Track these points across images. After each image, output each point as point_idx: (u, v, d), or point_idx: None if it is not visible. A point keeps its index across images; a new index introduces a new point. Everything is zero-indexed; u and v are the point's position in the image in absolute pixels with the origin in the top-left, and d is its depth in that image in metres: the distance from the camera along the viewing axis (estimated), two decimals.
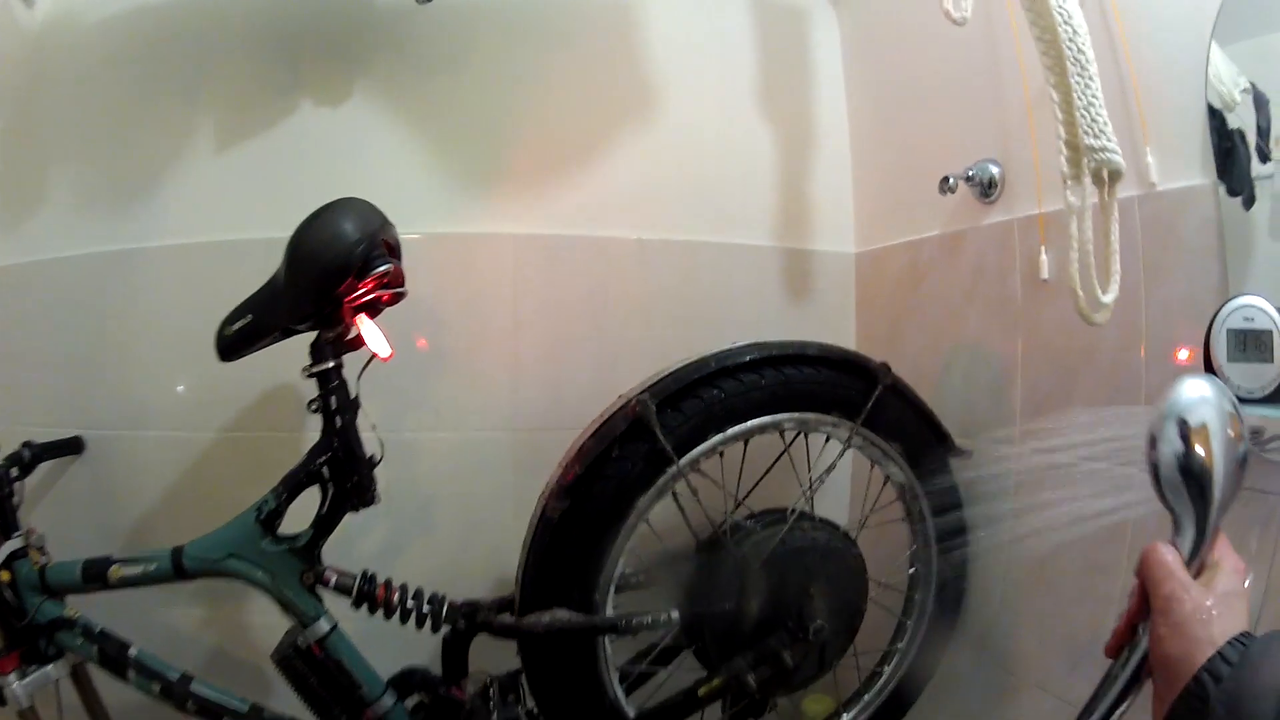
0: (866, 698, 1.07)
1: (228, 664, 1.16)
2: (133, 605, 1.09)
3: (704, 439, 0.93)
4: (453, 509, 1.19)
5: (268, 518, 0.97)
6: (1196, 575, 0.48)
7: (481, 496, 1.21)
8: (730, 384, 0.94)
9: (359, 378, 0.97)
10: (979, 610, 1.07)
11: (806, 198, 1.20)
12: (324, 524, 0.96)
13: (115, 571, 1.03)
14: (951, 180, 1.02)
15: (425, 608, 0.96)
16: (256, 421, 1.23)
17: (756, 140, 1.20)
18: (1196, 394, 0.49)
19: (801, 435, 1.01)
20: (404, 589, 0.98)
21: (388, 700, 0.98)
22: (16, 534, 1.06)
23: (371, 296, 0.94)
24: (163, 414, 1.26)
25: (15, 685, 1.02)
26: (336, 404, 0.95)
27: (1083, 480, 0.90)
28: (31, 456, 1.15)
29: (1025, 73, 0.98)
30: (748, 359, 0.95)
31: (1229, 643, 0.44)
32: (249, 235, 1.21)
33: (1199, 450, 0.48)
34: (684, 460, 0.92)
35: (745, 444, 0.97)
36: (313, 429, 1.18)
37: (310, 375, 0.96)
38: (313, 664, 0.97)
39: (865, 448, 1.00)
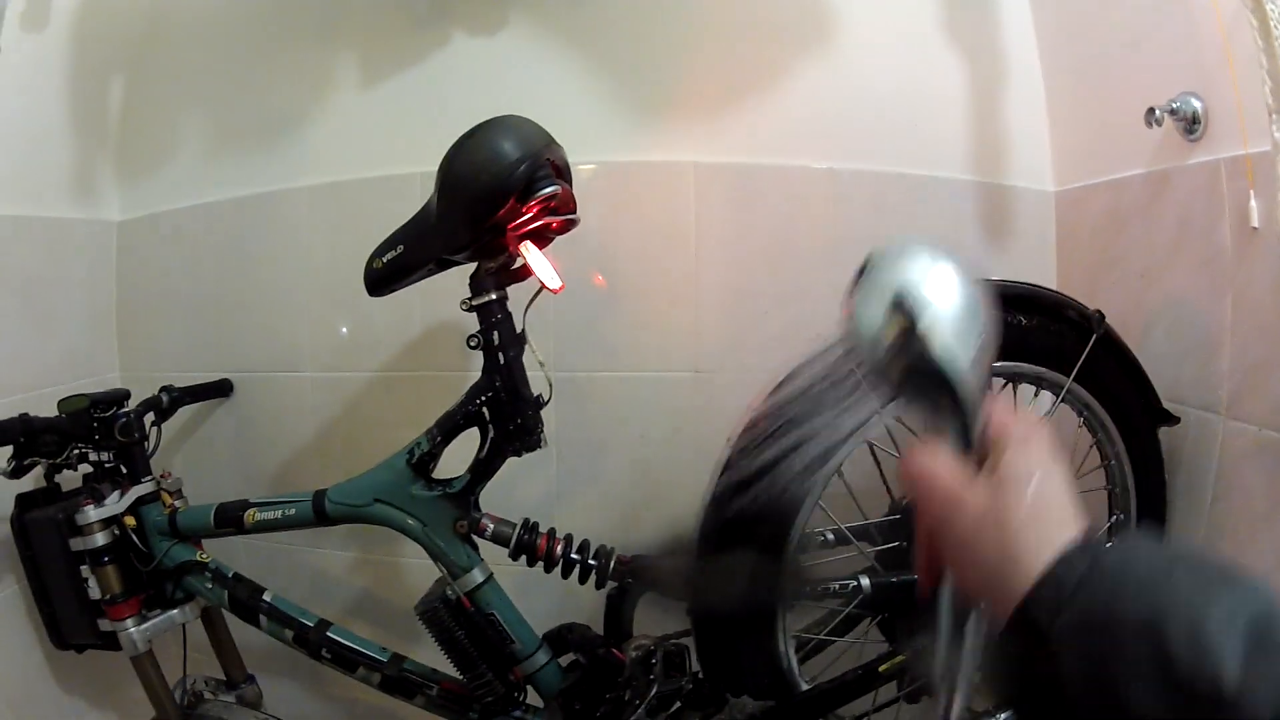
0: None
1: (375, 610, 1.11)
2: (277, 548, 1.05)
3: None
4: (623, 456, 1.12)
5: (420, 461, 0.91)
6: (981, 465, 0.36)
7: (656, 443, 1.13)
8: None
9: (525, 312, 0.90)
10: None
11: (999, 128, 1.09)
12: (482, 469, 0.89)
13: (251, 515, 0.98)
14: (1157, 112, 0.91)
15: (590, 561, 0.90)
16: (414, 360, 1.18)
17: (942, 67, 1.09)
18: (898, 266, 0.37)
19: (1009, 388, 0.92)
20: (568, 540, 0.91)
21: (540, 658, 0.92)
22: (147, 478, 1.03)
23: (538, 223, 0.86)
24: (313, 355, 1.22)
25: (132, 630, 0.99)
26: (499, 339, 0.87)
27: None
28: (170, 401, 1.12)
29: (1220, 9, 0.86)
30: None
31: (1059, 558, 0.32)
32: (401, 170, 1.15)
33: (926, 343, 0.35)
34: (887, 408, 0.83)
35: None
36: (475, 367, 1.13)
37: (470, 309, 0.89)
38: (461, 617, 0.91)
39: (1074, 405, 0.91)
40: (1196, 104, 0.90)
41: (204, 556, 1.04)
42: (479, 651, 0.91)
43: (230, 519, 0.99)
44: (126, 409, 1.03)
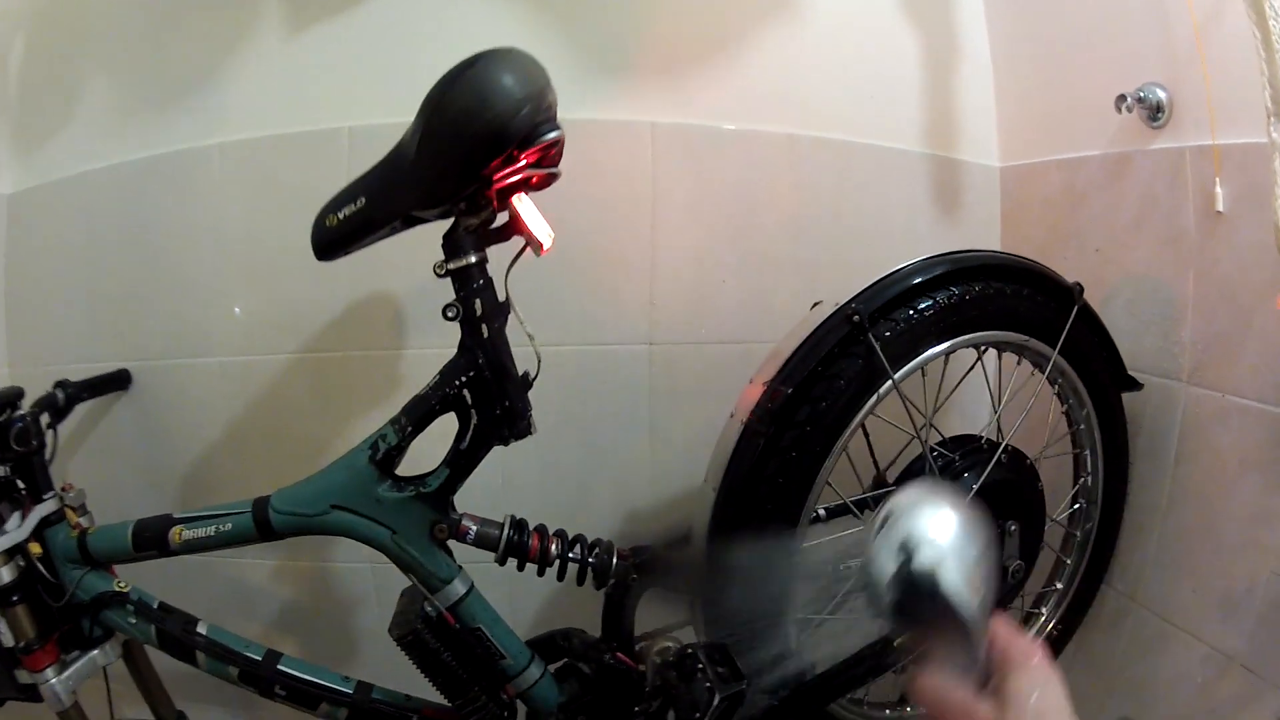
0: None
1: (305, 627, 0.95)
2: (182, 560, 0.87)
3: (912, 355, 0.82)
4: (576, 436, 1.03)
5: (385, 457, 0.77)
6: (986, 685, 0.41)
7: (612, 420, 1.05)
8: (936, 297, 0.84)
9: (506, 277, 0.79)
10: (1132, 552, 1.03)
11: (949, 104, 1.11)
12: (463, 462, 0.77)
13: (177, 534, 0.81)
14: (1129, 99, 0.96)
15: (590, 558, 0.80)
16: (341, 339, 1.03)
17: (899, 41, 1.09)
18: (918, 519, 0.42)
19: (993, 356, 0.92)
20: (562, 537, 0.81)
21: (534, 671, 0.81)
22: (49, 495, 0.84)
23: (521, 176, 0.75)
24: (226, 338, 1.05)
25: (54, 682, 0.82)
26: (482, 309, 0.76)
27: (1252, 425, 0.87)
28: (67, 398, 0.93)
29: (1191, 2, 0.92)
30: (945, 270, 0.85)
31: None
32: (326, 125, 1.00)
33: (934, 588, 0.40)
34: (899, 374, 0.81)
35: (945, 361, 0.87)
36: (415, 344, 0.99)
37: (445, 274, 0.76)
38: (446, 636, 0.79)
39: (1051, 372, 0.93)
40: (1161, 94, 0.94)
41: (122, 585, 0.85)
42: (468, 672, 0.79)
43: (152, 539, 0.82)
44: (21, 411, 0.84)
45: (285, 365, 1.04)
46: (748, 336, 1.04)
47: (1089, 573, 1.00)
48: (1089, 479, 0.98)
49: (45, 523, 0.84)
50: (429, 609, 0.80)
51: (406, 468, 0.79)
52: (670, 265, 1.03)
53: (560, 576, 0.80)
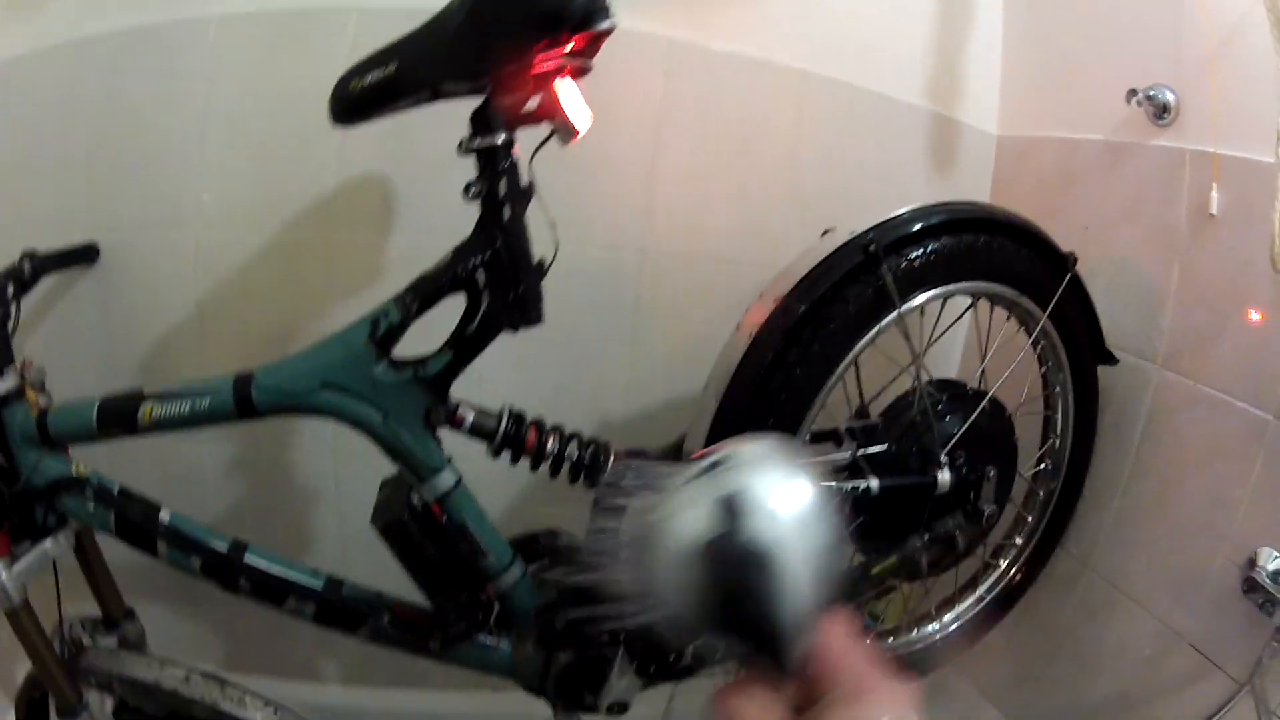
0: (980, 591, 1.04)
1: (261, 519, 0.91)
2: (128, 448, 0.82)
3: (915, 293, 0.85)
4: (557, 336, 0.97)
5: (385, 336, 0.75)
6: (806, 706, 0.32)
7: (595, 325, 1.04)
8: (942, 241, 0.86)
9: (532, 161, 0.77)
10: (1089, 519, 1.07)
11: (956, 64, 1.13)
12: (469, 346, 0.75)
13: (148, 411, 0.76)
14: (1139, 94, 1.01)
15: (585, 456, 0.79)
16: (325, 222, 0.99)
17: None
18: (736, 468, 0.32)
19: (980, 310, 0.95)
20: (559, 433, 0.79)
21: (515, 571, 0.80)
22: (8, 370, 0.78)
23: (561, 63, 0.74)
24: (202, 215, 0.99)
25: (3, 577, 0.77)
26: (505, 191, 0.74)
27: (1221, 417, 0.91)
28: (33, 269, 0.87)
29: (1211, 15, 0.98)
30: (954, 217, 0.87)
31: None
32: (337, 3, 0.96)
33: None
34: (905, 308, 0.83)
35: (942, 305, 0.90)
36: (403, 231, 0.97)
37: (471, 152, 0.74)
38: (431, 528, 0.76)
39: (1038, 333, 0.97)
40: (1170, 95, 0.99)
41: (81, 470, 0.80)
42: (450, 569, 0.77)
43: (119, 417, 0.77)
44: None
45: (263, 246, 1.00)
46: (740, 258, 1.04)
47: (1047, 533, 1.04)
48: (1057, 441, 1.02)
49: (2, 402, 0.77)
50: (415, 500, 0.77)
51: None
52: (670, 178, 1.02)
53: (554, 474, 0.78)
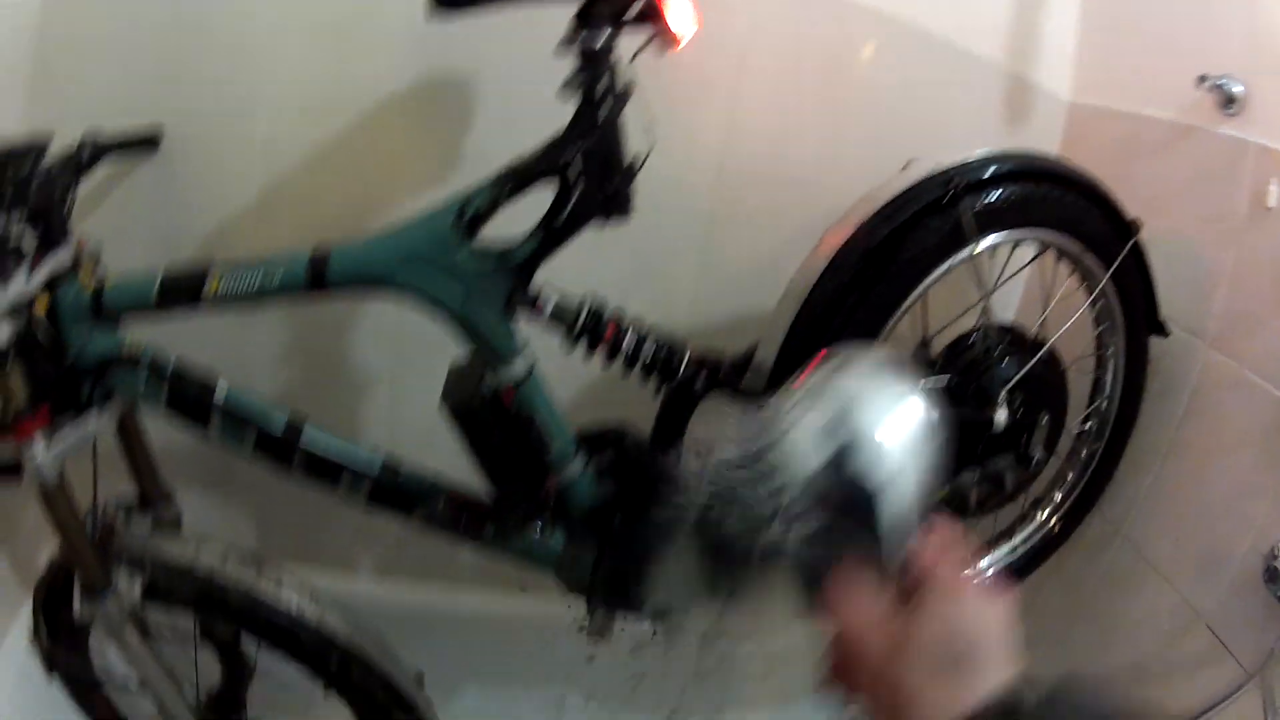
0: (1015, 540, 1.05)
1: (313, 407, 0.91)
2: (180, 333, 0.83)
3: (988, 233, 0.86)
4: (629, 244, 0.95)
5: (473, 219, 0.75)
6: (906, 600, 0.36)
7: (665, 236, 1.03)
8: (1019, 186, 0.87)
9: (633, 60, 0.77)
10: (1126, 486, 1.09)
11: (1034, 24, 1.13)
12: (556, 234, 0.75)
13: (215, 283, 0.76)
14: (1209, 82, 1.01)
15: (660, 355, 0.80)
16: (400, 115, 0.98)
17: None
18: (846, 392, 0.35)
19: (1047, 260, 0.96)
20: (638, 328, 0.80)
21: (577, 465, 0.81)
22: (65, 245, 0.78)
23: None
24: (276, 100, 0.99)
25: (41, 454, 0.77)
26: (605, 90, 0.75)
27: (1261, 404, 0.91)
28: (95, 151, 0.86)
29: None
30: (1033, 166, 0.89)
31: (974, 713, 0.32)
32: None
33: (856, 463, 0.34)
34: (980, 245, 0.84)
35: (1012, 250, 0.91)
36: (483, 130, 0.98)
37: (574, 50, 0.75)
38: (500, 415, 0.77)
39: (1100, 292, 0.98)
40: (1238, 89, 0.99)
41: (134, 344, 0.80)
42: (515, 457, 0.78)
43: (183, 290, 0.77)
44: (48, 159, 0.78)
45: (333, 140, 0.99)
46: (815, 185, 1.04)
47: (1085, 492, 1.06)
48: (1104, 403, 1.04)
49: (56, 277, 0.78)
50: (487, 384, 0.78)
51: None
52: (752, 102, 1.02)
53: (627, 370, 0.79)
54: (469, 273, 0.75)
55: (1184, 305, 1.04)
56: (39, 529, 1.09)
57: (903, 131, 1.07)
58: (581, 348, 0.79)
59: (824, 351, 0.39)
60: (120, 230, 1.01)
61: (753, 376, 0.82)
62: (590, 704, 1.20)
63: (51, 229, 0.79)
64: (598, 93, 0.75)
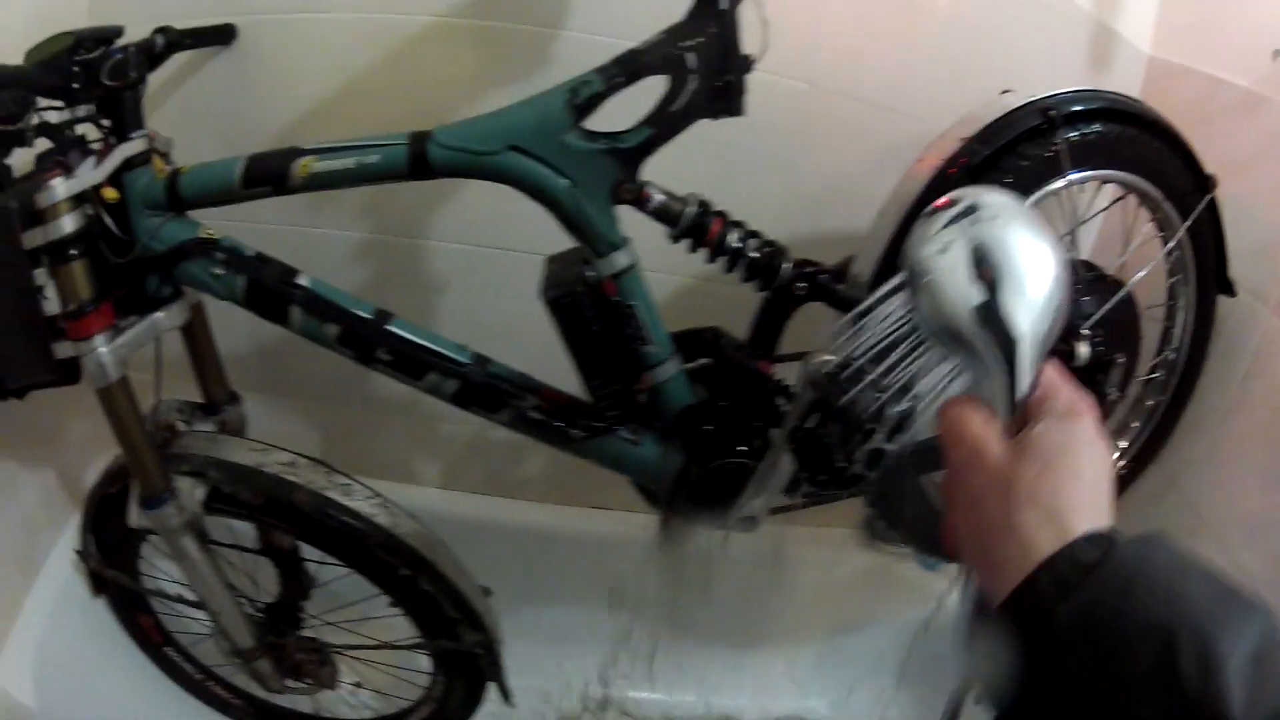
0: None
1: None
2: (245, 227, 0.81)
3: (1075, 168, 0.86)
4: (711, 153, 0.94)
5: (584, 104, 0.74)
6: (1018, 431, 0.36)
7: (752, 151, 1.01)
8: (1111, 125, 0.88)
9: None
10: (1185, 441, 1.09)
11: None
12: (668, 125, 0.75)
13: (304, 166, 0.75)
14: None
15: (763, 256, 0.79)
16: (492, 6, 0.95)
17: None
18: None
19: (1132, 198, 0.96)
20: (742, 228, 0.79)
21: (673, 365, 0.80)
22: (137, 133, 0.77)
23: None
24: None
25: (102, 351, 0.75)
26: None
27: None
28: (166, 44, 0.85)
29: None
30: (1124, 106, 0.90)
31: (1072, 542, 0.31)
32: None
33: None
34: (1074, 178, 0.85)
35: (1098, 188, 0.92)
36: (578, 27, 0.96)
37: None
38: (602, 307, 0.76)
39: (1176, 243, 0.99)
40: None
41: (210, 232, 0.79)
42: (612, 353, 0.77)
43: (269, 174, 0.75)
44: (118, 47, 0.76)
45: (420, 29, 0.97)
46: (898, 108, 1.04)
47: (1148, 444, 1.06)
48: (1171, 354, 1.04)
49: (126, 166, 0.76)
50: (590, 274, 0.77)
51: None
52: (837, 20, 1.01)
53: (729, 268, 0.79)
54: (578, 157, 0.74)
55: (1250, 269, 1.05)
56: (88, 440, 1.06)
57: (986, 63, 1.06)
58: (683, 244, 0.78)
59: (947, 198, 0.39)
60: (190, 125, 1.00)
61: (850, 287, 0.82)
62: (658, 627, 1.18)
63: (122, 118, 0.77)
64: None
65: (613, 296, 0.76)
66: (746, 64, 0.77)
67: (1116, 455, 1.05)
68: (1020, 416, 0.36)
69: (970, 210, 0.36)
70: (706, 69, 0.75)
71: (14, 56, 0.75)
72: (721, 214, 0.78)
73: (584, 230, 0.76)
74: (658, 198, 0.76)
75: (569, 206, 0.75)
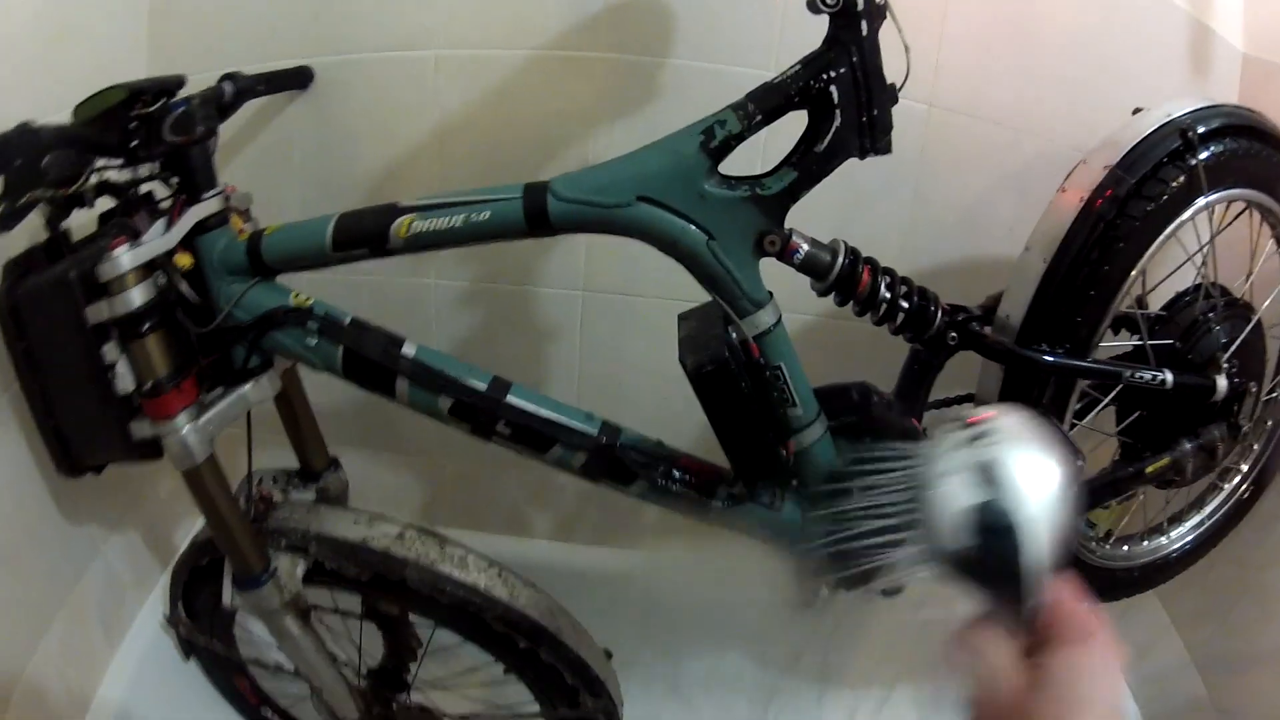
0: (1206, 511, 1.01)
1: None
2: (335, 279, 0.75)
3: (1210, 190, 0.82)
4: (837, 184, 0.80)
5: (720, 147, 0.67)
6: (1031, 653, 0.36)
7: (877, 175, 0.95)
8: (1240, 142, 0.84)
9: None
10: None
11: None
12: (815, 167, 0.68)
13: (405, 225, 0.67)
14: None
15: (915, 305, 0.73)
16: (591, 38, 0.89)
17: None
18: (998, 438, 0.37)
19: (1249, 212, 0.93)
20: (892, 276, 0.73)
21: (819, 428, 0.73)
22: (210, 193, 0.70)
23: None
24: (448, 27, 0.89)
25: (186, 430, 0.68)
26: (865, 3, 0.68)
27: None
28: (236, 92, 0.77)
29: None
30: (1254, 123, 0.85)
31: None
32: None
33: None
34: (1212, 199, 0.80)
35: (1226, 208, 0.88)
36: (686, 56, 0.91)
37: None
38: (750, 369, 0.70)
39: None
40: None
41: (302, 299, 0.71)
42: (757, 419, 0.70)
43: (365, 234, 0.68)
44: (181, 99, 0.68)
45: (520, 63, 0.90)
46: (1018, 127, 0.98)
47: (1266, 467, 1.03)
48: None
49: (200, 229, 0.69)
50: (733, 335, 0.70)
51: None
52: (957, 40, 0.95)
53: (879, 321, 0.73)
54: (716, 207, 0.67)
55: None
56: (175, 498, 0.99)
57: (1097, 79, 1.01)
58: (831, 297, 0.72)
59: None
60: (269, 177, 0.93)
61: (999, 330, 0.76)
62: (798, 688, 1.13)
63: (193, 176, 0.70)
64: (858, 4, 0.68)
65: (756, 358, 0.70)
66: (893, 95, 0.70)
67: (1239, 479, 1.02)
68: (1033, 630, 0.36)
69: (980, 435, 0.37)
70: (850, 101, 0.68)
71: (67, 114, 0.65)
72: (871, 261, 0.72)
73: (724, 287, 0.69)
74: (805, 248, 0.70)
75: (708, 261, 0.68)
